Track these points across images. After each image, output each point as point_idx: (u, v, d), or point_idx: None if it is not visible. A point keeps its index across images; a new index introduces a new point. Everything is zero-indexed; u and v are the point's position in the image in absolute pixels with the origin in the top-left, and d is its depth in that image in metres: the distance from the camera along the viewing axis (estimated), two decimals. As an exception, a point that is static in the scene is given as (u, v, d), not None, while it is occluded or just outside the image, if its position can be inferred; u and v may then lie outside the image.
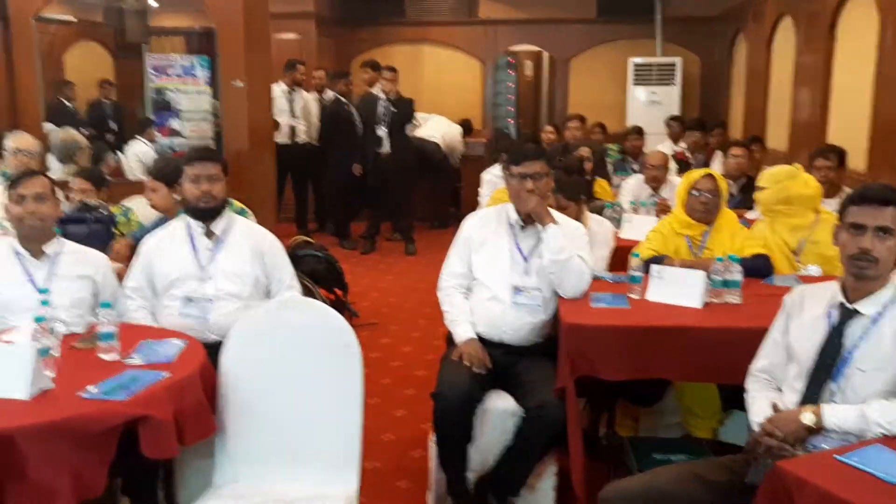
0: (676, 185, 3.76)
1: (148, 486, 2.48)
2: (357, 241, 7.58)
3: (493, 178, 5.51)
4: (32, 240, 2.76)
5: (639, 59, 9.07)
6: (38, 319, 2.23)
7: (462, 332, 2.91)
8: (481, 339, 2.89)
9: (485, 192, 5.56)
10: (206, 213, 2.92)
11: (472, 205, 5.53)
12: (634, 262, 2.99)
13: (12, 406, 1.98)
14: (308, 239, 5.51)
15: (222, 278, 2.87)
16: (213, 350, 2.48)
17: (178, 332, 2.63)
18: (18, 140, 4.52)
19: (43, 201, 2.74)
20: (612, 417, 3.29)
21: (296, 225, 7.88)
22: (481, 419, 2.75)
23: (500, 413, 2.76)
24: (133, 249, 3.27)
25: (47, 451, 1.89)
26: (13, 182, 2.78)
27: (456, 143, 8.57)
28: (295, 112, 7.73)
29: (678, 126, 7.53)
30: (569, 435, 2.61)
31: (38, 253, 2.77)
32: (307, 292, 3.93)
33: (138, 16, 8.94)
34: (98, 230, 3.48)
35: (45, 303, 2.37)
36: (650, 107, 8.94)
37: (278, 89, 7.45)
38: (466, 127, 9.04)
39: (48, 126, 6.21)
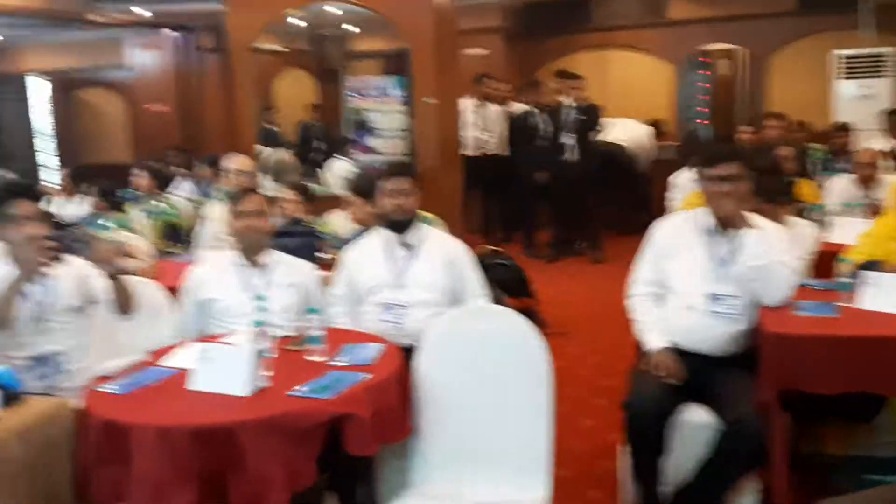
0: (890, 185, 3.46)
1: (351, 482, 2.63)
2: (543, 249, 7.59)
3: (684, 181, 5.33)
4: (250, 251, 3.04)
5: (846, 52, 8.39)
6: (257, 324, 2.45)
7: (653, 341, 2.84)
8: (674, 349, 2.81)
9: (674, 197, 5.39)
10: (400, 225, 3.07)
11: (663, 210, 5.38)
12: (844, 267, 2.79)
13: (233, 402, 2.19)
14: (495, 248, 5.59)
15: (416, 287, 2.99)
16: (408, 354, 2.60)
17: (376, 336, 2.79)
18: (237, 161, 4.98)
19: (260, 216, 3.01)
20: (820, 433, 3.07)
21: (483, 235, 8.02)
22: (675, 432, 2.67)
23: (695, 426, 2.67)
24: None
25: (263, 444, 2.06)
26: (233, 199, 3.08)
27: (644, 146, 8.35)
28: (482, 125, 7.88)
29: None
30: (771, 451, 2.47)
31: (254, 263, 3.04)
32: (495, 300, 4.00)
33: (339, 42, 9.57)
34: (306, 242, 3.76)
35: (262, 308, 2.58)
36: (860, 101, 8.23)
37: (467, 103, 7.65)
38: (656, 129, 8.78)
39: (260, 148, 6.77)
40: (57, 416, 2.16)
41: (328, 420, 2.14)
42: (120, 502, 2.18)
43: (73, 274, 2.78)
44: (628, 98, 9.31)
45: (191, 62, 9.87)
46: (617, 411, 2.69)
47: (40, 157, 10.71)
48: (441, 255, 3.06)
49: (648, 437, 2.65)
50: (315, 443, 2.13)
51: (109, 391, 2.30)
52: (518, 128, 7.63)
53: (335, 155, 7.25)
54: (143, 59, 9.97)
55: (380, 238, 3.12)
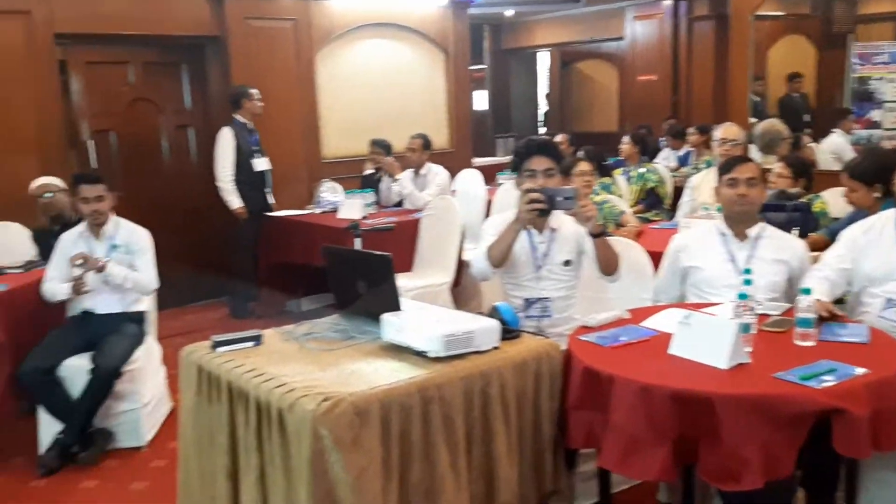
0: None
1: (829, 484, 2.40)
2: None
3: None
4: (738, 222, 2.92)
5: None
6: (741, 297, 2.34)
7: None
8: None
9: None
10: None
11: None
12: None
13: (713, 373, 2.13)
14: None
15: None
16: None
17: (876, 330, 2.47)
18: (725, 130, 4.85)
19: (752, 186, 2.86)
20: None
21: None
22: None
23: None
24: (826, 245, 3.17)
25: (742, 422, 1.97)
26: (725, 167, 2.97)
27: None
28: None
29: None
30: None
31: (741, 235, 2.92)
32: None
33: (847, 4, 8.63)
34: (796, 218, 3.51)
35: (747, 282, 2.46)
36: None
37: None
38: None
39: (751, 119, 6.51)
40: (547, 355, 2.35)
41: (818, 411, 1.96)
42: (591, 447, 2.31)
43: (572, 230, 2.98)
44: None
45: (683, 31, 9.83)
46: None
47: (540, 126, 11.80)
48: None
49: None
50: (799, 433, 1.97)
51: (592, 342, 2.43)
52: None
53: (832, 130, 6.64)
54: (639, 30, 10.23)
55: (891, 221, 2.73)
